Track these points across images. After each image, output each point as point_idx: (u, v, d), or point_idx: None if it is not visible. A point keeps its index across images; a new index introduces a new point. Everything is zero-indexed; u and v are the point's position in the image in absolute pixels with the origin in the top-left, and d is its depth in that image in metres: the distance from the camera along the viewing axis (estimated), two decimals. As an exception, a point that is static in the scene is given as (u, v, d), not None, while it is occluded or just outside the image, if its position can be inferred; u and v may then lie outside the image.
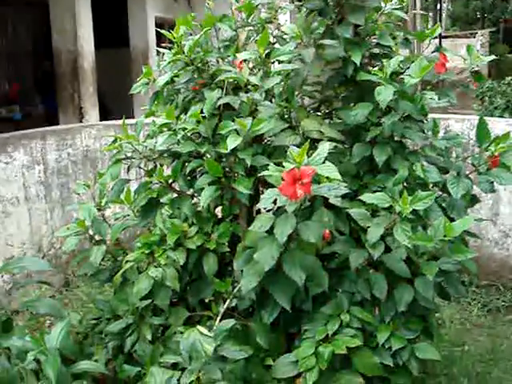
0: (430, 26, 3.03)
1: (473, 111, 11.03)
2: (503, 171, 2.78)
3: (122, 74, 11.15)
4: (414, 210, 2.42)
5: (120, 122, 6.23)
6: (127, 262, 2.78)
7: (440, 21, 25.47)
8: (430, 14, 36.33)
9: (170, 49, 2.89)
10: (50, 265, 2.80)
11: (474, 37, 26.33)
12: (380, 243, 2.47)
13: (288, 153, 2.19)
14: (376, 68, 2.89)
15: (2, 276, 5.11)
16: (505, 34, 35.39)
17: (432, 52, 2.88)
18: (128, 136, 2.78)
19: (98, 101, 9.46)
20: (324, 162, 2.16)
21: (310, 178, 2.09)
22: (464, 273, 4.58)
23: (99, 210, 3.23)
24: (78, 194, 3.36)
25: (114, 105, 11.28)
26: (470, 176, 2.85)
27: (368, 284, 2.63)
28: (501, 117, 10.44)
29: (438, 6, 30.47)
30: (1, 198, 5.17)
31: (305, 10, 2.74)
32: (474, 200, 2.94)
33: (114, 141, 2.85)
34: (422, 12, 5.56)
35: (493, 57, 2.85)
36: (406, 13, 2.99)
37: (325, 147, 2.21)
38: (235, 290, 2.66)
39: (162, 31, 2.85)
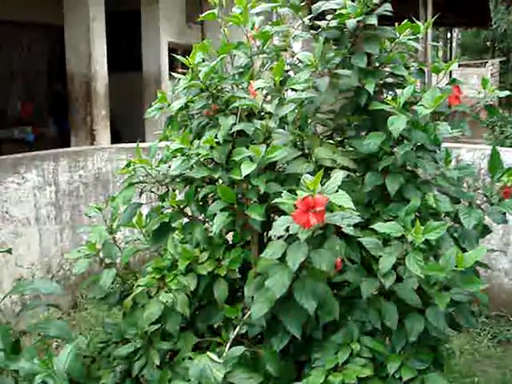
0: (440, 55, 3.06)
1: (483, 140, 11.03)
2: (515, 202, 2.78)
3: (133, 98, 11.25)
4: (426, 239, 2.42)
5: (132, 145, 6.30)
6: (138, 286, 2.78)
7: (450, 50, 25.59)
8: (440, 42, 36.56)
9: (184, 74, 2.92)
10: (60, 287, 2.81)
11: (484, 66, 26.45)
12: (392, 273, 2.46)
13: (301, 181, 2.20)
14: (389, 97, 2.91)
15: (11, 296, 5.11)
16: (515, 64, 35.42)
17: (446, 84, 2.90)
18: (141, 160, 2.80)
19: (109, 124, 9.54)
20: (337, 191, 2.17)
21: (324, 207, 2.09)
22: (474, 303, 4.55)
23: (110, 233, 3.24)
24: (89, 216, 3.37)
25: (126, 128, 11.35)
26: (481, 206, 2.84)
27: (379, 313, 2.62)
28: (511, 146, 10.44)
29: (449, 35, 30.67)
30: (12, 219, 5.20)
31: (320, 38, 2.77)
32: (485, 230, 2.93)
33: (128, 165, 2.86)
34: (433, 43, 5.64)
35: (507, 92, 2.87)
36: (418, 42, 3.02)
37: (338, 176, 2.22)
38: (245, 317, 2.65)
39: (178, 57, 2.88)
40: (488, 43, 37.73)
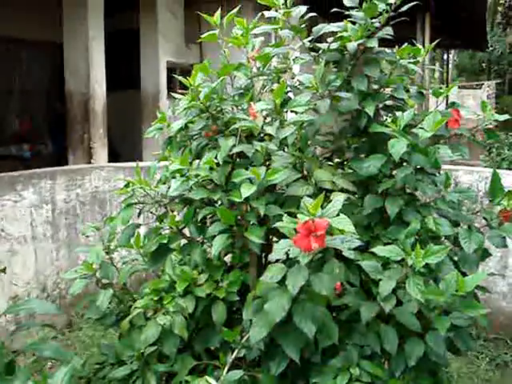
0: (436, 76, 3.08)
1: (480, 162, 11.06)
2: (515, 226, 2.77)
3: (131, 117, 11.27)
4: (426, 263, 2.41)
5: (130, 164, 6.29)
6: (135, 308, 2.76)
7: (447, 71, 25.75)
8: (437, 63, 36.82)
9: (183, 94, 2.92)
10: (56, 307, 2.78)
11: (480, 88, 26.60)
12: (392, 297, 2.44)
13: (302, 204, 2.19)
14: (388, 119, 2.92)
15: (6, 315, 5.07)
16: (510, 85, 35.69)
17: (446, 107, 2.90)
18: (140, 181, 2.79)
19: (107, 142, 9.54)
20: (338, 215, 2.16)
21: (325, 231, 2.08)
22: (472, 325, 4.53)
23: (107, 253, 3.23)
24: (87, 236, 3.36)
25: (123, 147, 11.37)
26: (481, 230, 2.83)
27: (378, 337, 2.59)
28: (508, 168, 10.45)
29: (445, 56, 30.89)
30: (8, 237, 5.17)
31: (321, 60, 2.77)
32: (485, 254, 2.92)
33: (127, 185, 2.85)
34: (431, 67, 5.67)
35: (507, 116, 2.87)
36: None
37: (339, 199, 2.21)
38: (243, 340, 2.62)
39: (180, 78, 2.88)
40: (483, 65, 38.03)
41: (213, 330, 2.78)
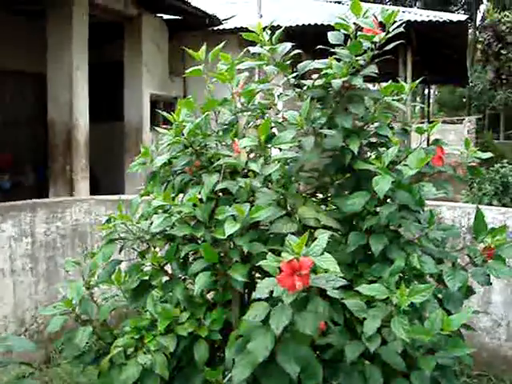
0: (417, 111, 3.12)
1: (461, 197, 11.14)
2: (499, 264, 2.76)
3: (114, 148, 11.25)
4: (411, 302, 2.39)
5: (111, 197, 6.24)
6: (116, 347, 2.69)
7: (428, 106, 26.11)
8: (418, 98, 37.33)
9: (167, 129, 2.90)
10: (34, 345, 2.72)
11: (461, 123, 26.96)
12: (377, 336, 2.41)
13: (286, 242, 2.17)
14: (372, 156, 2.92)
15: (-18, 351, 4.95)
16: (490, 121, 36.21)
17: (428, 144, 2.91)
18: (122, 216, 2.75)
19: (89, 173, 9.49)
20: (323, 253, 2.13)
21: (309, 270, 2.05)
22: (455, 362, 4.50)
23: (88, 288, 3.16)
24: (67, 270, 3.29)
25: (105, 177, 11.32)
26: (465, 267, 2.82)
27: (363, 377, 2.55)
28: (489, 204, 10.55)
29: (426, 91, 31.34)
30: (-14, 270, 5.07)
31: (305, 97, 2.77)
32: (469, 292, 2.91)
33: (108, 220, 2.81)
34: (414, 104, 5.75)
35: (490, 154, 2.89)
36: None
37: (323, 238, 2.18)
38: (226, 380, 2.57)
39: (163, 113, 2.86)
40: (464, 100, 38.67)
41: (195, 369, 2.72)
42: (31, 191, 10.23)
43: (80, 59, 9.33)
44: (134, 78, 11.18)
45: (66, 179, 9.18)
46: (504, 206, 10.15)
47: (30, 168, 12.19)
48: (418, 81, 3.14)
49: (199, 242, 2.72)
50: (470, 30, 27.03)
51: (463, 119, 27.21)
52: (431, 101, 34.72)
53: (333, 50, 2.83)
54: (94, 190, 9.61)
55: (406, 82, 2.82)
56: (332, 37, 2.87)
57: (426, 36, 13.13)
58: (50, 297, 5.57)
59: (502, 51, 25.06)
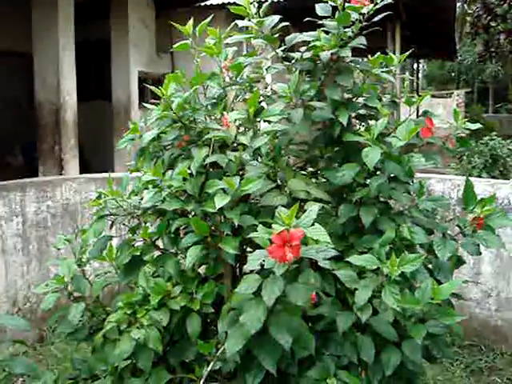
0: (406, 85, 3.14)
1: (450, 170, 11.17)
2: (489, 234, 2.78)
3: (103, 127, 11.18)
4: (401, 272, 2.40)
5: (101, 175, 6.22)
6: (109, 322, 2.70)
7: (417, 80, 26.07)
8: (407, 73, 37.27)
9: (156, 104, 2.89)
10: (27, 323, 2.72)
11: (450, 97, 26.96)
12: (368, 306, 2.43)
13: (276, 214, 2.17)
14: (362, 128, 2.92)
15: (-25, 331, 4.96)
16: (479, 94, 36.24)
17: (418, 116, 2.91)
18: (112, 192, 2.75)
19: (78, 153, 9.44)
20: (313, 224, 2.14)
21: (300, 241, 2.06)
22: (447, 333, 4.55)
23: (79, 265, 3.17)
24: (58, 248, 3.29)
25: (95, 157, 11.26)
26: (455, 237, 2.84)
27: (355, 347, 2.58)
28: (479, 176, 10.60)
29: (415, 66, 31.28)
30: (-23, 251, 5.06)
31: (294, 70, 2.76)
32: (459, 262, 2.93)
33: (99, 197, 2.81)
34: (402, 76, 5.74)
35: (478, 125, 2.89)
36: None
37: (314, 209, 2.19)
38: (219, 352, 2.59)
39: (152, 87, 2.84)
40: (453, 74, 38.63)
41: (188, 342, 2.73)
42: (20, 172, 10.17)
43: (66, 38, 9.22)
44: (122, 56, 11.09)
45: (55, 159, 9.13)
46: (493, 178, 10.20)
47: (18, 148, 12.12)
48: (407, 53, 3.13)
49: (190, 215, 2.72)
50: (458, 3, 26.89)
51: (452, 93, 27.22)
52: (420, 75, 34.69)
53: (321, 22, 2.81)
54: (84, 169, 9.56)
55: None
56: (320, 9, 2.86)
57: (415, 9, 13.07)
58: (43, 276, 5.58)
59: (491, 23, 24.92)
